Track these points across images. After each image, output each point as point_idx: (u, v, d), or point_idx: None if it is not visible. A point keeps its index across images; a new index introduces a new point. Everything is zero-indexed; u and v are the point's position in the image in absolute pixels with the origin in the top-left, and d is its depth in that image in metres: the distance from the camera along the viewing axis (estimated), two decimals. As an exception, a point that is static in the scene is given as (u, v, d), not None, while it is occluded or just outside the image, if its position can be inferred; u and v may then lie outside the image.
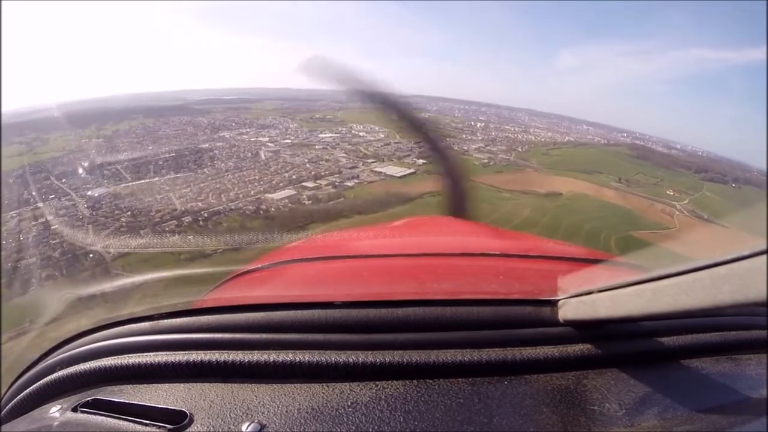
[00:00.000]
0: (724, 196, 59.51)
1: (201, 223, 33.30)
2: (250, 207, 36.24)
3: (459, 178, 2.74)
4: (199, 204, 36.39)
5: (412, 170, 50.49)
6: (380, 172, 48.64)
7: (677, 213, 50.22)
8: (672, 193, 56.53)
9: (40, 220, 31.91)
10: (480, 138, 72.15)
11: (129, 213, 33.93)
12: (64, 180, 39.43)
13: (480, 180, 49.75)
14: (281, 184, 42.61)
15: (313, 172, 46.70)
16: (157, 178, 41.45)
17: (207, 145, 53.37)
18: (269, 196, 39.16)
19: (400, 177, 48.01)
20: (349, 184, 44.46)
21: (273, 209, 35.56)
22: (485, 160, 58.58)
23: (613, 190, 54.65)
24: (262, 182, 42.65)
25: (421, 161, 53.40)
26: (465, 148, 63.61)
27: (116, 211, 33.87)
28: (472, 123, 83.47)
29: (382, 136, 65.10)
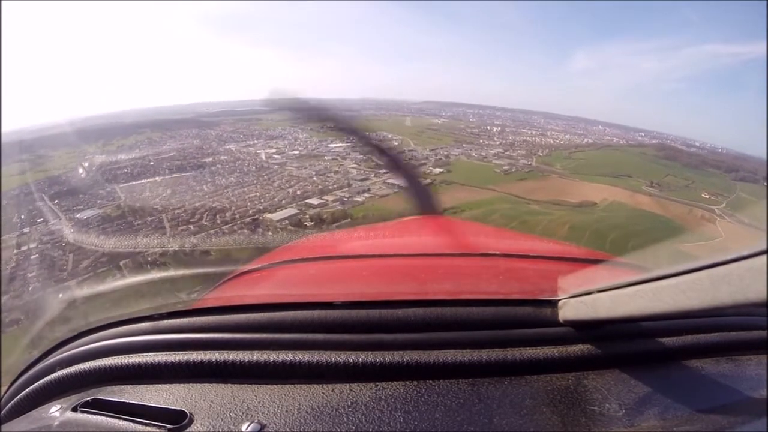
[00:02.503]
0: (759, 197, 52.90)
1: (186, 252, 27.95)
2: (246, 230, 31.34)
3: (420, 187, 2.47)
4: (190, 227, 32.21)
5: (428, 181, 43.93)
6: (393, 184, 42.21)
7: (718, 219, 44.77)
8: (707, 196, 51.25)
9: (23, 248, 29.83)
10: (498, 143, 67.55)
11: (113, 239, 30.32)
12: (56, 201, 37.09)
13: (503, 189, 44.68)
14: (284, 202, 37.60)
15: (320, 186, 41.61)
16: (151, 197, 38.27)
17: (210, 159, 49.76)
18: (269, 216, 34.14)
19: None
20: (359, 199, 39.05)
21: (270, 233, 29.59)
22: (506, 167, 53.54)
23: (646, 195, 49.47)
24: (263, 200, 37.84)
25: (437, 170, 49.03)
26: (483, 153, 59.14)
27: (101, 236, 30.71)
28: (488, 127, 79.45)
29: (395, 144, 59.10)
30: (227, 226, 31.91)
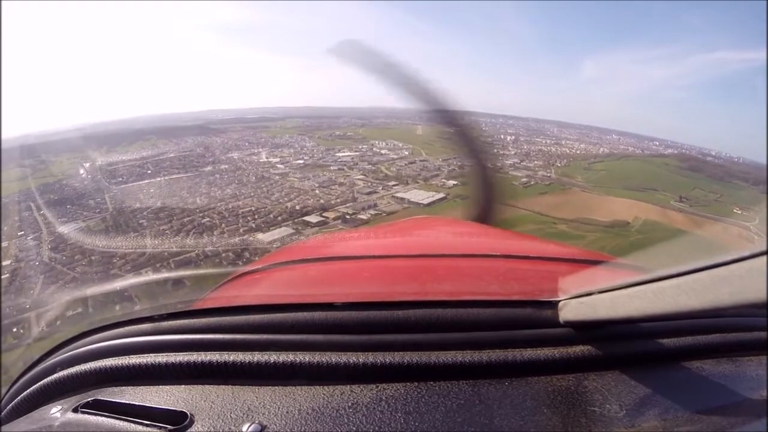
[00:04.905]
0: (791, 211, 47.07)
1: (159, 282, 23.43)
2: (231, 254, 26.61)
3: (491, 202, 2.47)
4: (173, 247, 27.95)
5: (441, 195, 40.04)
6: (403, 199, 38.32)
7: (756, 237, 39.21)
8: (739, 212, 46.12)
9: (-3, 266, 26.70)
10: (513, 152, 62.92)
11: (87, 260, 27.29)
12: (42, 212, 33.64)
13: (524, 206, 39.48)
14: (279, 218, 32.75)
15: (321, 201, 36.72)
16: (139, 210, 34.61)
17: (210, 168, 46.12)
18: (260, 236, 29.43)
19: (428, 204, 37.58)
20: (364, 216, 33.67)
21: (257, 257, 24.35)
22: (525, 179, 48.56)
23: (677, 212, 44.66)
24: (257, 216, 33.08)
25: (451, 182, 44.01)
26: (499, 164, 51.59)
27: (77, 256, 27.66)
28: (502, 136, 74.48)
29: (406, 153, 57.01)
30: (211, 248, 27.46)
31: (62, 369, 0.98)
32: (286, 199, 36.90)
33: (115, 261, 26.88)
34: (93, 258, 27.29)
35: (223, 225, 31.16)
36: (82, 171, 43.48)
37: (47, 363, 1.07)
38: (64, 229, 31.51)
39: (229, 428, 0.72)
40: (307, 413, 0.75)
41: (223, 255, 26.48)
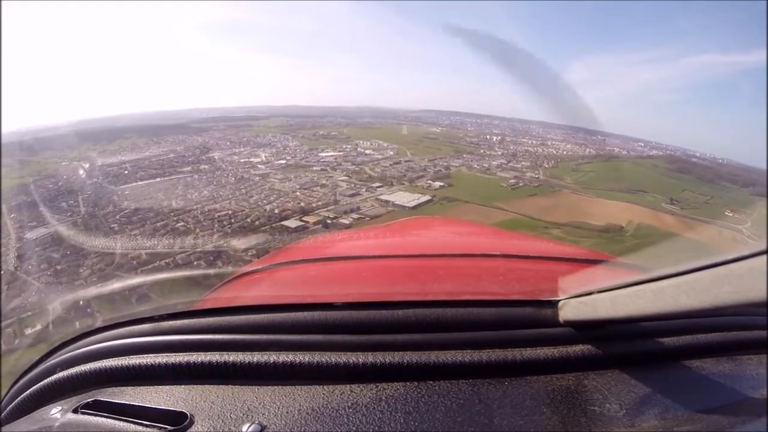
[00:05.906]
0: (779, 213, 46.50)
1: (125, 294, 22.31)
2: (203, 262, 24.94)
3: None
4: (143, 255, 26.16)
5: (427, 197, 38.28)
6: (387, 202, 36.39)
7: (749, 241, 36.85)
8: (730, 214, 45.04)
9: (-39, 274, 25.82)
10: (499, 153, 61.62)
11: (52, 270, 25.88)
12: (13, 215, 31.61)
13: (514, 208, 37.96)
14: (257, 223, 30.93)
15: (302, 204, 34.83)
16: (112, 214, 32.59)
17: (189, 168, 43.96)
18: (235, 242, 27.66)
19: (413, 207, 35.71)
20: (345, 221, 31.75)
21: (231, 267, 22.69)
22: (513, 180, 46.86)
23: (669, 214, 43.37)
24: (233, 219, 31.24)
25: (437, 184, 42.55)
26: (486, 165, 52.88)
27: (42, 265, 26.14)
28: (488, 137, 73.90)
29: (391, 153, 54.82)
30: (182, 256, 25.77)
31: (62, 370, 0.98)
32: (265, 201, 35.12)
33: (81, 271, 25.39)
34: (59, 267, 25.78)
35: (197, 230, 29.39)
36: (59, 171, 41.67)
37: (47, 364, 1.07)
38: (32, 234, 29.42)
39: (229, 428, 0.72)
40: (307, 413, 0.75)
41: (195, 263, 24.66)
